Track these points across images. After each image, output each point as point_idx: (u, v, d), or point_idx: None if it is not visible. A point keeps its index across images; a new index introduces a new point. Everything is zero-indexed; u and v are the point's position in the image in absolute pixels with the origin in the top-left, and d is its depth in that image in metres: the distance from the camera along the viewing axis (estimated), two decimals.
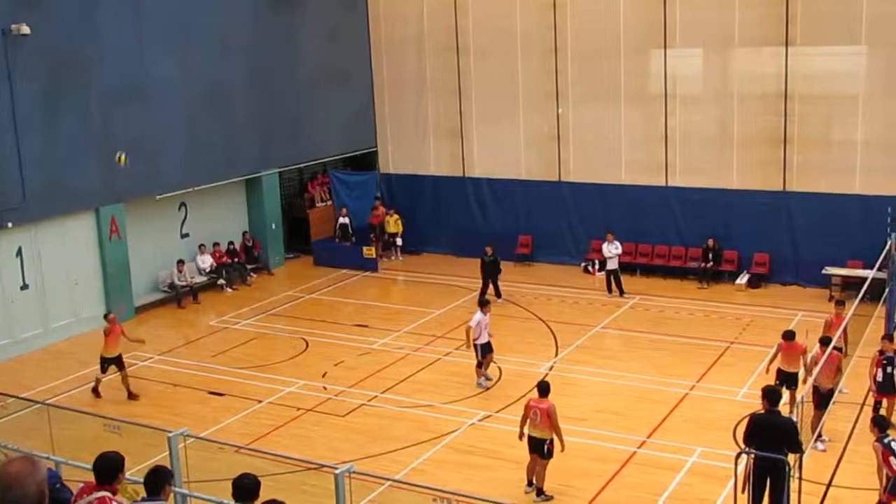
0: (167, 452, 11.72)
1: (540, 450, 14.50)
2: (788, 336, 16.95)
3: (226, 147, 26.79)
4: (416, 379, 19.96)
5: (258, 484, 7.43)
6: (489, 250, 25.04)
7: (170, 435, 11.66)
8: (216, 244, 27.54)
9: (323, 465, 11.98)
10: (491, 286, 25.03)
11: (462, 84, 29.78)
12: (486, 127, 29.82)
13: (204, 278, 26.82)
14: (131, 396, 19.22)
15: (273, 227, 29.37)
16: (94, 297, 23.90)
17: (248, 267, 28.22)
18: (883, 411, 16.46)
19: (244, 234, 28.79)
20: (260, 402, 18.92)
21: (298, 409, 18.53)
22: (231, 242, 28.04)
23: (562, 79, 28.17)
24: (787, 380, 16.74)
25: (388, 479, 13.94)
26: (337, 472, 10.46)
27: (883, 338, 17.05)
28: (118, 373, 19.26)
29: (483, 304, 19.68)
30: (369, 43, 31.13)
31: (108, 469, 7.44)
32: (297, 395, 19.29)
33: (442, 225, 30.20)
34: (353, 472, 10.65)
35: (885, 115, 24.81)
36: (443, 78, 30.03)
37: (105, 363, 19.13)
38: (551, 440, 14.43)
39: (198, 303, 25.97)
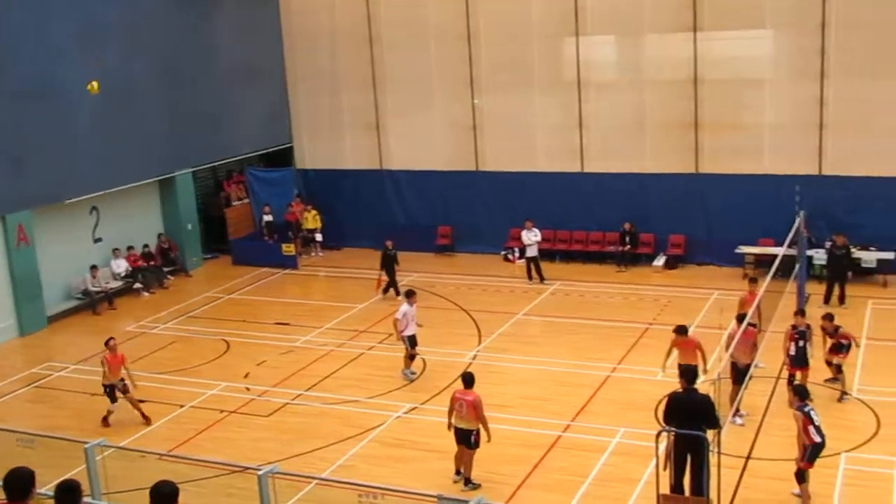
0: (85, 465, 11.43)
1: (467, 440, 14.54)
2: (681, 330, 16.79)
3: (137, 147, 26.17)
4: (340, 375, 19.84)
5: (176, 490, 7.26)
6: (390, 244, 24.95)
7: (86, 446, 11.38)
8: (131, 248, 26.96)
9: (247, 468, 11.81)
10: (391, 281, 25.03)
11: (376, 76, 29.66)
12: (403, 118, 29.76)
13: (119, 283, 26.24)
14: (145, 419, 18.01)
15: (189, 227, 28.88)
16: (4, 307, 23.20)
17: (165, 269, 27.72)
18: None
19: (159, 236, 28.28)
20: (182, 406, 18.60)
21: (222, 411, 18.27)
22: (146, 245, 27.50)
23: (476, 68, 28.26)
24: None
25: (313, 478, 13.82)
26: (260, 473, 10.34)
27: (795, 313, 17.51)
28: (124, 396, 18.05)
29: (408, 295, 19.61)
30: (282, 37, 30.80)
31: (19, 485, 7.19)
32: (219, 397, 19.02)
33: (361, 219, 30.03)
34: (277, 473, 10.54)
35: (791, 97, 25.44)
36: (357, 70, 29.85)
37: (110, 391, 17.94)
38: (477, 430, 14.48)
39: (114, 308, 25.39)
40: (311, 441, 16.64)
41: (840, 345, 17.21)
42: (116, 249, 26.58)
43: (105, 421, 17.92)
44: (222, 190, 31.12)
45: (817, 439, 13.12)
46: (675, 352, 16.95)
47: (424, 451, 15.96)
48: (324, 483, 13.74)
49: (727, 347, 16.18)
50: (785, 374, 17.27)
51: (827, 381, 17.44)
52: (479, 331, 22.04)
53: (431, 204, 29.59)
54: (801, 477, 13.22)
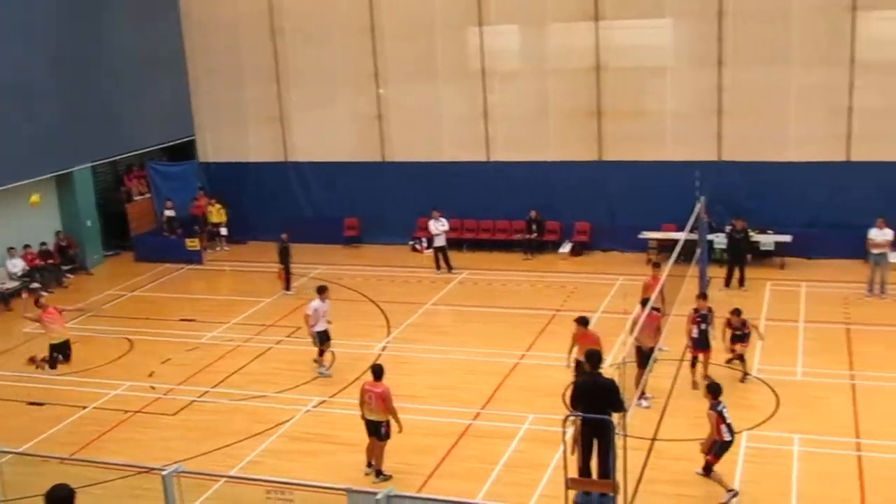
0: None
1: (377, 432, 14.50)
2: (582, 322, 16.42)
3: (31, 143, 25.34)
4: (247, 370, 19.58)
5: (72, 493, 7.06)
6: (284, 236, 24.71)
7: None
8: (27, 246, 26.15)
9: (151, 468, 11.56)
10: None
11: (280, 67, 29.30)
12: (307, 110, 29.46)
13: (16, 283, 25.38)
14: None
15: (89, 224, 28.13)
16: None
17: (64, 268, 26.96)
18: (700, 366, 17.33)
19: (57, 233, 27.48)
20: (84, 408, 18.11)
21: (126, 411, 17.85)
22: (43, 243, 26.71)
23: (381, 59, 28.15)
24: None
25: (219, 476, 13.61)
26: (164, 473, 10.13)
27: (697, 296, 17.90)
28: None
29: (321, 290, 19.37)
30: (181, 28, 30.16)
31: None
32: (123, 397, 18.59)
33: (267, 212, 29.63)
34: (182, 472, 10.35)
35: (691, 85, 25.99)
36: (260, 62, 29.43)
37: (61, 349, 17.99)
38: (387, 422, 14.45)
39: (10, 310, 24.57)
40: (220, 438, 16.39)
41: (744, 334, 17.57)
42: (12, 248, 25.74)
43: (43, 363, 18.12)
44: (123, 185, 30.37)
45: (727, 438, 13.40)
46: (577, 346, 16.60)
47: (335, 445, 15.87)
48: (232, 480, 13.53)
49: (631, 331, 16.46)
50: (688, 356, 17.64)
51: (728, 361, 17.87)
52: (387, 322, 21.99)
53: (338, 195, 29.39)
54: (708, 470, 13.48)
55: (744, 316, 17.68)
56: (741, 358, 17.64)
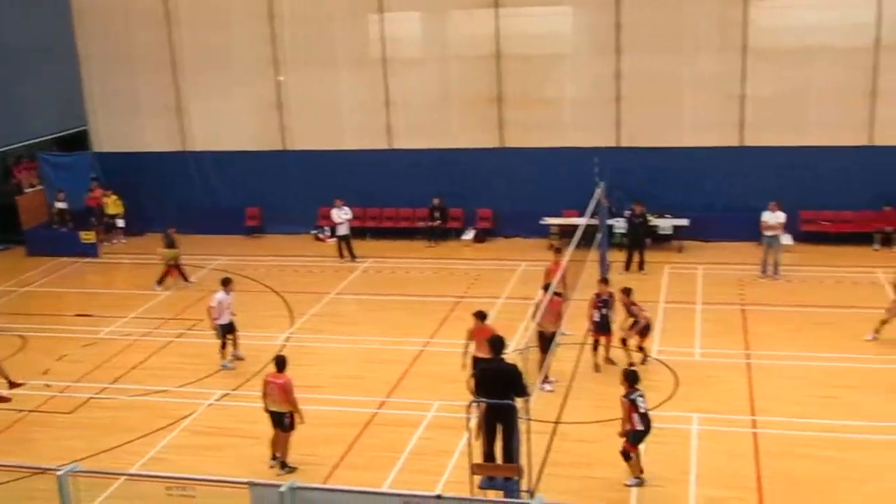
0: None
1: (280, 423, 14.35)
2: (480, 316, 16.16)
3: None
4: (147, 365, 19.15)
5: None
6: (171, 231, 24.25)
7: None
8: None
9: (46, 469, 11.20)
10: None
11: (176, 54, 28.67)
12: (205, 98, 28.90)
13: None
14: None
15: None
16: None
17: None
18: (601, 349, 17.59)
19: None
20: None
21: (20, 411, 17.26)
22: None
23: (280, 47, 27.79)
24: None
25: (117, 474, 13.26)
26: (59, 473, 9.83)
27: (599, 281, 18.14)
28: None
29: (225, 282, 18.98)
30: (72, 15, 29.22)
31: None
32: (16, 396, 17.93)
33: (165, 203, 28.95)
34: (79, 472, 10.07)
35: (590, 72, 26.32)
36: (154, 49, 28.73)
37: None
38: (290, 413, 14.31)
39: None
40: (120, 435, 15.98)
41: (639, 323, 17.78)
42: None
43: None
44: (12, 177, 29.32)
45: (640, 427, 13.42)
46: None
47: (238, 438, 15.63)
48: (132, 478, 13.21)
49: (534, 317, 16.60)
50: (590, 340, 17.88)
51: (622, 342, 17.95)
52: (291, 312, 21.77)
53: (238, 185, 28.93)
54: (626, 456, 13.66)
55: (634, 298, 17.88)
56: (640, 348, 17.82)
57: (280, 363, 14.48)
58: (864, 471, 13.71)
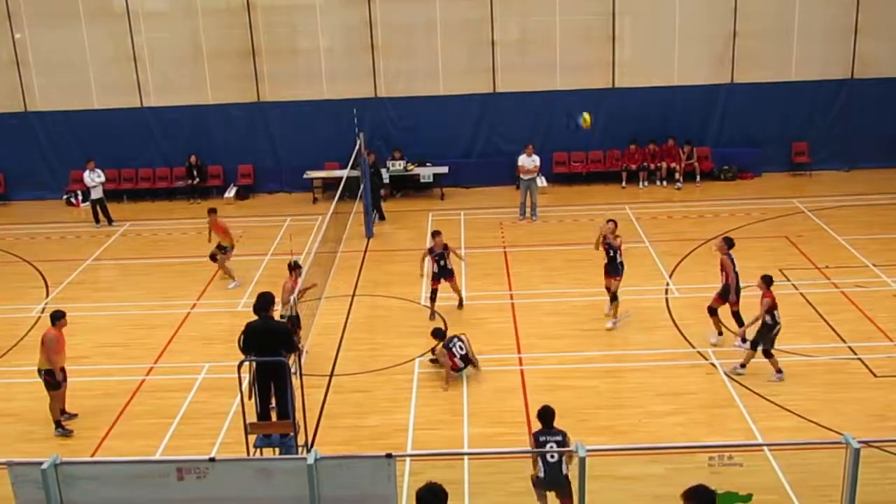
0: None
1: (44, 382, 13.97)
2: (212, 211, 17.96)
3: None
4: None
5: None
6: None
7: None
8: None
9: None
10: None
11: None
12: None
13: None
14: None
15: None
16: None
17: None
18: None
19: None
20: None
21: None
22: None
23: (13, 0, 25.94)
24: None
25: None
26: None
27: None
28: None
29: None
30: None
31: None
32: None
33: None
34: None
35: (342, 22, 26.23)
36: None
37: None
38: (50, 370, 13.84)
39: None
40: None
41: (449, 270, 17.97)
42: None
43: None
44: None
45: (461, 364, 15.07)
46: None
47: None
48: None
49: (285, 301, 16.54)
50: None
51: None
52: (45, 282, 20.64)
53: None
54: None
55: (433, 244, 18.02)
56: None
57: (53, 317, 14.31)
58: (622, 396, 14.68)
